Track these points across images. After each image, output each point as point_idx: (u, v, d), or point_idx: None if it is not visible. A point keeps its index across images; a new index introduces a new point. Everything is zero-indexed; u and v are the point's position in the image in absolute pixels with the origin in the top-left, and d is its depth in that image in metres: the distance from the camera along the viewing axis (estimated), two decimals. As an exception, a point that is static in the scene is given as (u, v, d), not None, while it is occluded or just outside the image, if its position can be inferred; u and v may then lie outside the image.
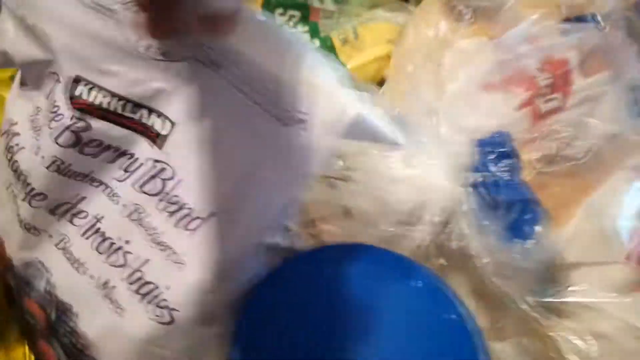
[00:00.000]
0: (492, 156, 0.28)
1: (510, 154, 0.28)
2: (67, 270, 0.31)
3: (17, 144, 0.31)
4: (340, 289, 0.26)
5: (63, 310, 0.31)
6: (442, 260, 0.31)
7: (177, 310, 0.27)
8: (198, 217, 0.27)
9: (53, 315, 0.32)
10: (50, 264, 0.32)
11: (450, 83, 0.37)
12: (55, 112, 0.29)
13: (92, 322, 0.30)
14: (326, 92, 0.26)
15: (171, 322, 0.27)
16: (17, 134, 0.32)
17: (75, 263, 0.31)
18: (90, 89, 0.27)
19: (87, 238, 0.30)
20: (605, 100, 0.35)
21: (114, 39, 0.27)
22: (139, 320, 0.28)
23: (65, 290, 0.31)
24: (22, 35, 0.31)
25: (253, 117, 0.27)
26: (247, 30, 0.25)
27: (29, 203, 0.30)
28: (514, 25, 0.37)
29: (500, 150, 0.28)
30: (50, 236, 0.31)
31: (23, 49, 0.31)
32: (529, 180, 0.29)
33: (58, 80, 0.29)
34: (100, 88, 0.27)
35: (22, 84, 0.33)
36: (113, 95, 0.27)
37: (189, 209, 0.27)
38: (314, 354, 0.25)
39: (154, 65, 0.27)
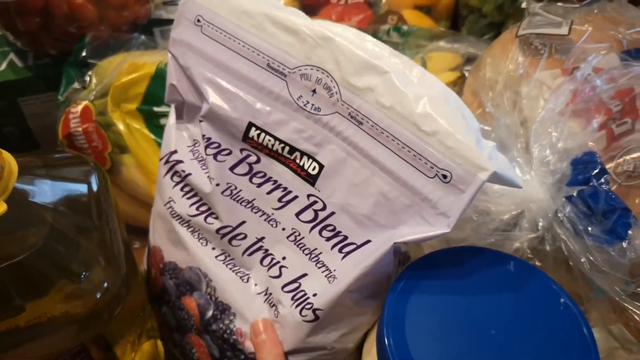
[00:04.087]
0: (586, 171, 0.33)
1: (601, 170, 0.33)
2: (231, 278, 0.36)
3: (183, 170, 0.37)
4: (465, 286, 0.30)
5: (222, 310, 0.37)
6: (537, 263, 0.36)
7: (321, 310, 0.32)
8: (353, 243, 0.32)
9: (209, 313, 0.37)
10: (210, 272, 0.37)
11: (530, 110, 0.43)
12: (218, 147, 0.35)
13: (249, 320, 0.35)
14: (465, 150, 0.28)
15: (315, 319, 0.33)
16: (181, 161, 0.37)
17: (240, 273, 0.36)
18: (260, 133, 0.33)
19: (249, 255, 0.36)
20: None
21: (280, 95, 0.33)
22: (290, 319, 0.33)
23: (226, 294, 0.36)
24: (184, 80, 0.37)
25: (393, 166, 0.30)
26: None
27: (205, 220, 0.36)
28: (583, 58, 0.43)
29: (592, 166, 0.33)
30: (214, 248, 0.37)
31: (183, 90, 0.37)
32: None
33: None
34: (267, 133, 0.33)
35: (178, 117, 0.39)
36: (276, 139, 0.33)
37: (344, 236, 0.32)
38: (451, 347, 0.27)
39: (309, 117, 0.32)
